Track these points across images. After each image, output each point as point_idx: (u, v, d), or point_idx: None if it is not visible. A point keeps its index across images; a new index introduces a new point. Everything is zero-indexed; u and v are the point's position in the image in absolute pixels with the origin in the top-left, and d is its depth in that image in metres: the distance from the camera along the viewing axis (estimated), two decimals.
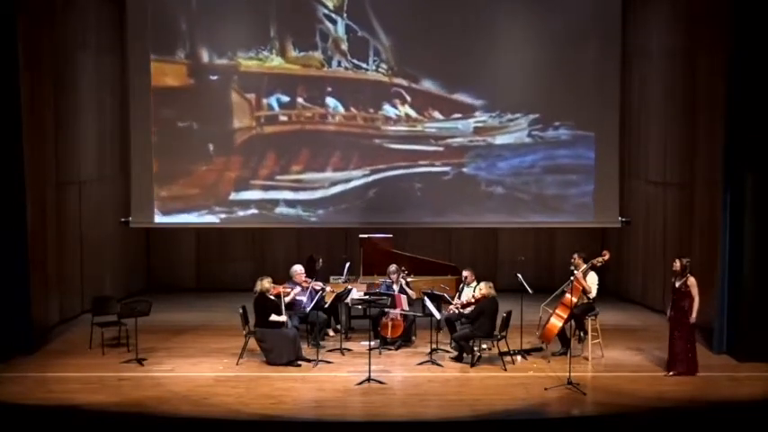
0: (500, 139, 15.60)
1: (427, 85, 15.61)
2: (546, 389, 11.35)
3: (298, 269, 13.22)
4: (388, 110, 15.68)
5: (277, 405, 10.85)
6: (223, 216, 15.66)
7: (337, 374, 11.95)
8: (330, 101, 15.63)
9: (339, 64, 15.60)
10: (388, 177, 15.71)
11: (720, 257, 12.63)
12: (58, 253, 13.97)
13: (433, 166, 15.69)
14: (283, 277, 13.20)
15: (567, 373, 11.43)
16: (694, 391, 11.39)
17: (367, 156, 15.69)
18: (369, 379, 11.55)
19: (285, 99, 15.65)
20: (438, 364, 12.29)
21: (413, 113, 15.65)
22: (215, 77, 15.57)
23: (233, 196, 15.64)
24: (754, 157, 12.33)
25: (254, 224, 15.83)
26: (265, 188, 15.71)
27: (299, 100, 15.62)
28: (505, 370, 12.09)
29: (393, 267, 13.30)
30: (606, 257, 12.80)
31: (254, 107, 15.67)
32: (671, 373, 11.82)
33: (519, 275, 12.82)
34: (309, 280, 13.24)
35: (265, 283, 12.37)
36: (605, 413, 10.73)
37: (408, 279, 13.43)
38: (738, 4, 12.38)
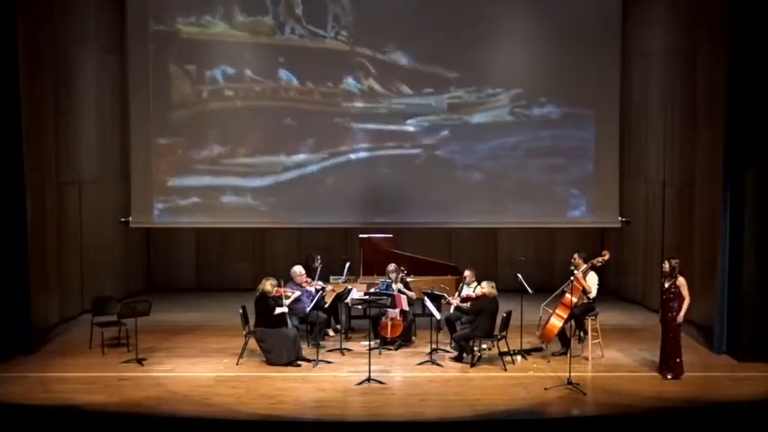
0: (477, 118, 14.49)
1: (394, 55, 14.25)
2: (546, 389, 11.34)
3: (298, 270, 13.19)
4: (350, 84, 14.32)
5: (277, 405, 10.84)
6: (161, 206, 14.72)
7: (337, 374, 11.94)
8: (283, 73, 14.27)
9: (293, 31, 14.16)
10: (349, 161, 14.53)
11: (720, 257, 12.63)
12: (58, 253, 13.96)
13: (401, 148, 14.38)
14: (283, 277, 13.17)
15: (567, 373, 11.42)
16: (694, 391, 11.38)
17: (325, 136, 14.38)
18: (369, 379, 11.55)
19: (231, 71, 14.32)
20: (438, 364, 12.29)
21: (378, 88, 14.34)
22: (151, 46, 14.45)
23: (171, 183, 14.58)
24: (754, 156, 12.33)
25: (254, 224, 15.57)
26: (209, 174, 14.51)
27: (248, 72, 14.28)
28: (505, 370, 12.08)
29: (392, 267, 13.28)
30: (606, 257, 12.79)
31: (196, 80, 14.46)
32: (668, 377, 11.76)
33: (519, 275, 12.81)
34: (310, 280, 13.23)
35: (268, 285, 12.33)
36: (605, 413, 10.73)
37: (408, 279, 13.42)
38: (738, 3, 12.38)
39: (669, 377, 11.70)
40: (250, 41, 14.27)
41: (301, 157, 14.61)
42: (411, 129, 14.46)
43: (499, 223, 15.65)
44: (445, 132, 14.50)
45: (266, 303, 12.28)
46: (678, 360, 11.71)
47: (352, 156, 14.57)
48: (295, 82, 14.35)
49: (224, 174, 14.65)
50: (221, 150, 14.61)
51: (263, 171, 14.74)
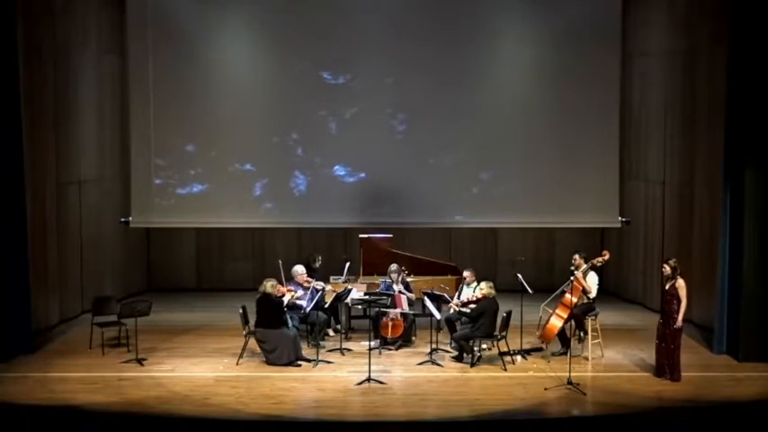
0: (471, 110, 14.25)
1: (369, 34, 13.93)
2: (546, 389, 11.35)
3: (299, 270, 13.20)
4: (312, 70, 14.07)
5: (277, 405, 10.85)
6: (161, 206, 14.54)
7: (337, 374, 11.95)
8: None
9: None
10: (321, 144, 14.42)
11: (720, 257, 12.63)
12: (58, 253, 13.97)
13: (378, 137, 14.07)
14: (284, 278, 13.19)
15: (567, 373, 11.43)
16: (694, 391, 11.39)
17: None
18: (369, 379, 11.56)
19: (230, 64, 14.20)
20: (438, 364, 12.29)
21: (348, 77, 14.17)
22: (151, 45, 14.42)
23: (171, 182, 14.56)
24: (754, 156, 12.34)
25: (254, 224, 15.49)
26: (208, 172, 14.41)
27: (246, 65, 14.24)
28: (505, 370, 12.09)
29: (394, 267, 13.27)
30: (606, 257, 12.80)
31: (194, 73, 14.43)
32: (666, 378, 11.75)
33: (519, 275, 12.82)
34: (311, 280, 13.24)
35: (268, 287, 12.33)
36: (605, 413, 10.74)
37: (408, 279, 13.42)
38: (738, 4, 12.38)
39: (667, 378, 11.71)
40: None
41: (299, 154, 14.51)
42: (388, 115, 14.30)
43: (499, 223, 15.63)
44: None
45: (271, 302, 12.27)
46: (677, 364, 11.69)
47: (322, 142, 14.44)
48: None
49: (222, 172, 14.60)
50: (218, 148, 14.55)
51: (263, 169, 14.66)
